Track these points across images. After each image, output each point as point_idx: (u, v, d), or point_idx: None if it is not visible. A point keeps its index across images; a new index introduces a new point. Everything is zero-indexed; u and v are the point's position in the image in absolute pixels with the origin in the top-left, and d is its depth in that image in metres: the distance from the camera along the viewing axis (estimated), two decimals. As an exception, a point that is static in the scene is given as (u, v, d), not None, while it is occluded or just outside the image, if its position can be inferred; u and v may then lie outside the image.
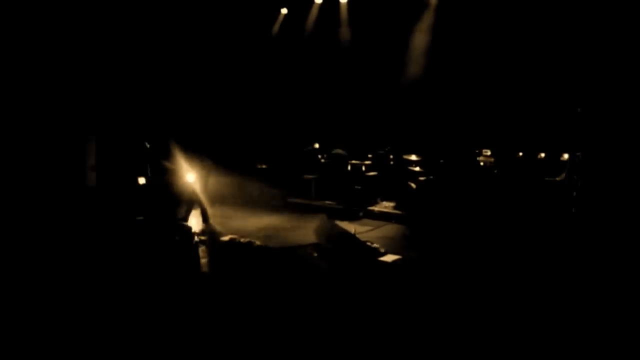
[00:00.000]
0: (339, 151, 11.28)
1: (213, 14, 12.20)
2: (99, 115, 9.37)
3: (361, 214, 9.86)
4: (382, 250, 6.99)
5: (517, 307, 5.07)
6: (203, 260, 6.99)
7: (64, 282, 5.69)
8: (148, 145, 8.81)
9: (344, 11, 13.16)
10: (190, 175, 8.43)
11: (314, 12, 13.42)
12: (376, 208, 10.03)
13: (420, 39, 11.83)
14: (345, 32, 13.14)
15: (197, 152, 8.49)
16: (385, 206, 10.16)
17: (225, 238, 7.98)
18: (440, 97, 11.62)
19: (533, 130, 10.35)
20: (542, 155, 10.11)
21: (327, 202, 10.57)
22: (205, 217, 8.66)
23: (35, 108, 8.72)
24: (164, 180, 8.41)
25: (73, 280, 5.78)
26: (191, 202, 8.41)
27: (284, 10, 13.76)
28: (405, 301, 5.33)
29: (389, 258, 6.76)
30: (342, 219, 9.07)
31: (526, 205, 8.53)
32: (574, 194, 7.67)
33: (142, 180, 8.49)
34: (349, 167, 11.40)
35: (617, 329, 4.54)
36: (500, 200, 8.75)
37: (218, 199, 10.81)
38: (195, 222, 8.41)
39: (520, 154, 10.37)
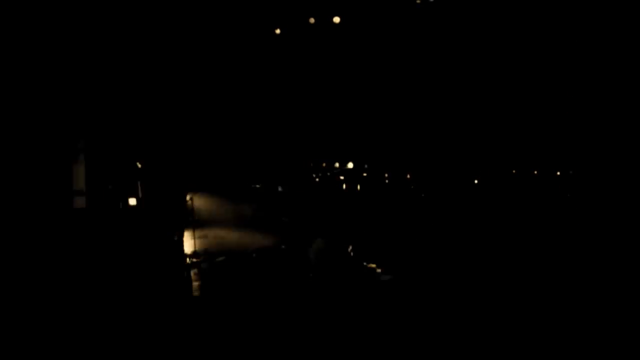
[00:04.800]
0: None
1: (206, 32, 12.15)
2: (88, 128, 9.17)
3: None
4: (379, 270, 6.90)
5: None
6: (195, 284, 6.83)
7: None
8: (139, 165, 8.69)
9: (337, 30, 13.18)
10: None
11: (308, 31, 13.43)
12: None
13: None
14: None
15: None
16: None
17: (220, 259, 7.85)
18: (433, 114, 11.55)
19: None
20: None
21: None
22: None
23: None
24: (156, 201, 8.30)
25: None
26: (182, 225, 8.25)
27: (277, 31, 13.78)
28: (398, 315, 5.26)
29: (384, 277, 6.69)
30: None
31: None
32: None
33: (132, 202, 8.34)
34: (344, 186, 11.31)
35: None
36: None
37: (210, 220, 10.68)
38: (187, 244, 8.26)
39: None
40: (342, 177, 11.39)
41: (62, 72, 9.21)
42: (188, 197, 8.48)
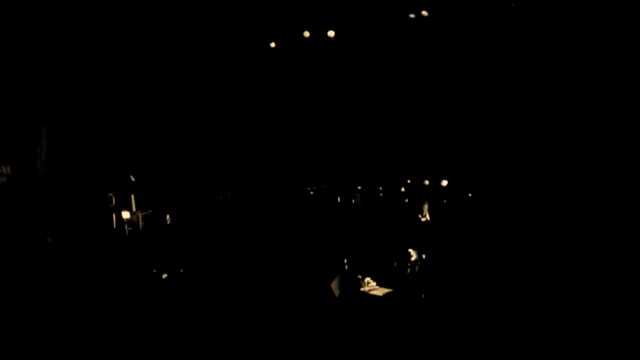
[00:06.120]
0: None
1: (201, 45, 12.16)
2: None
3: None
4: (374, 282, 6.87)
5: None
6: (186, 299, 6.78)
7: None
8: (133, 179, 8.68)
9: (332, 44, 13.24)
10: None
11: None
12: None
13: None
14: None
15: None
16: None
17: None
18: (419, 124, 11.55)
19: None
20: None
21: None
22: None
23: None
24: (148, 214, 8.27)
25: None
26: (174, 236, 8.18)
27: (272, 44, 13.82)
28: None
29: (380, 292, 6.66)
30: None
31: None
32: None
33: (126, 215, 8.32)
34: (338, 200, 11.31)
35: None
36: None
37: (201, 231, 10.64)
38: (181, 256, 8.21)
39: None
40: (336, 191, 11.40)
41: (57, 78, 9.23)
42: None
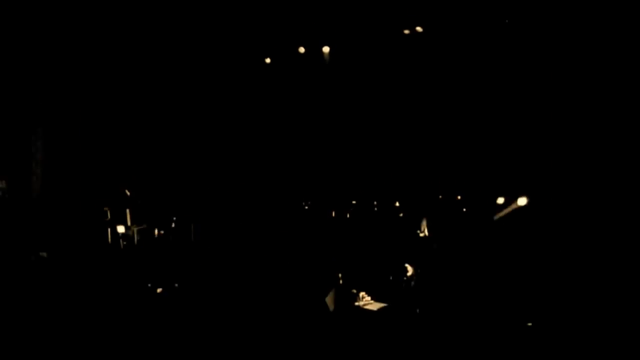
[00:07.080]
0: None
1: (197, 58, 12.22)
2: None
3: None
4: (368, 297, 6.87)
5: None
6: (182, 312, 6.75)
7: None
8: (128, 193, 8.68)
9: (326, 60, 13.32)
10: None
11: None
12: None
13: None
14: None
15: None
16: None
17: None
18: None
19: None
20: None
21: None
22: None
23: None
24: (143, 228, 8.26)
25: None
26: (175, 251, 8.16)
27: (267, 60, 13.90)
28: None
29: (375, 306, 6.65)
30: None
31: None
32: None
33: (121, 229, 8.31)
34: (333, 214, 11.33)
35: None
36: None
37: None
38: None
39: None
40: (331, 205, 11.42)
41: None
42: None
